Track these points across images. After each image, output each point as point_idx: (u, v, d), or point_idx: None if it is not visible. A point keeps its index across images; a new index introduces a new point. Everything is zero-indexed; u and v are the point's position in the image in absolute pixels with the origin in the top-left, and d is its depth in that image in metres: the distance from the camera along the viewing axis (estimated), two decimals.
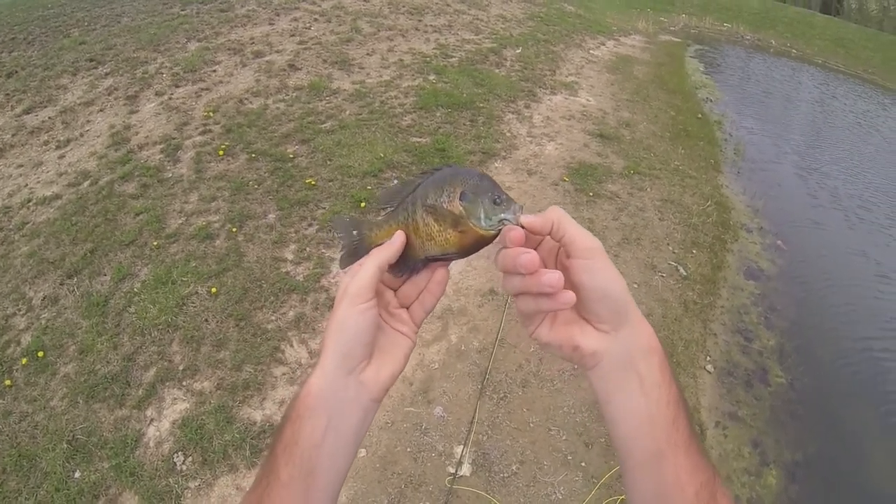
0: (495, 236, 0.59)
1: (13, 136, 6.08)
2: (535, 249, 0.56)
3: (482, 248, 0.61)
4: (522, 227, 0.56)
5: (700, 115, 9.14)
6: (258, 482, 0.57)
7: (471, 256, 0.64)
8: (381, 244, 0.63)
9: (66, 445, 3.03)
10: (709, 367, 4.11)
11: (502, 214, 0.58)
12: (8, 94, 6.95)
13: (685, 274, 4.85)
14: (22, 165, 5.60)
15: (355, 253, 0.65)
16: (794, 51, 17.25)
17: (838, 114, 11.79)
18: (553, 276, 0.52)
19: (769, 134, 9.42)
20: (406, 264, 0.63)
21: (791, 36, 18.96)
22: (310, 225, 4.66)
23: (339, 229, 0.68)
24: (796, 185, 7.68)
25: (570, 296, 0.53)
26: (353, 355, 0.58)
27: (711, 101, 10.35)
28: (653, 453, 0.55)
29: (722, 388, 4.00)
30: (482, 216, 0.58)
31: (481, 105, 7.24)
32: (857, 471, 3.76)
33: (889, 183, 8.32)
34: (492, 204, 0.58)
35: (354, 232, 0.66)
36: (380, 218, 0.66)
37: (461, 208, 0.59)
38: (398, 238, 0.62)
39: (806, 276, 5.56)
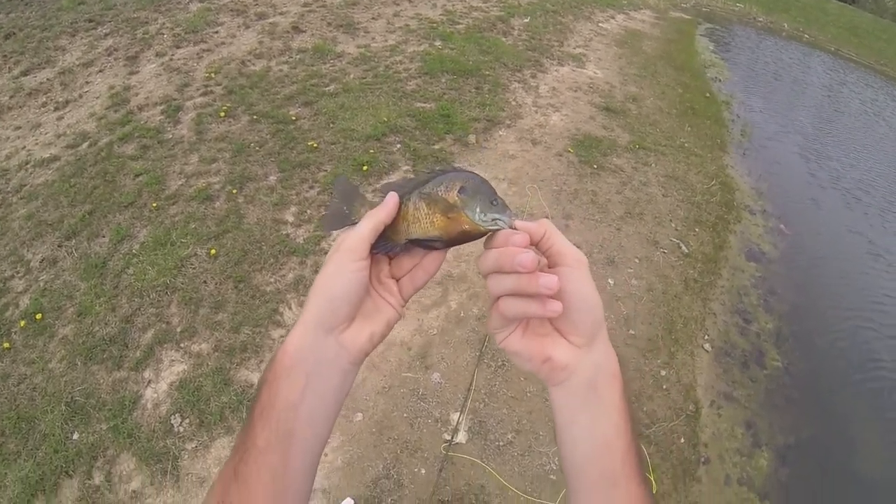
0: (482, 234, 0.59)
1: (11, 97, 5.99)
2: None
3: (464, 241, 0.61)
4: (517, 229, 0.56)
5: (708, 94, 9.03)
6: (235, 450, 0.55)
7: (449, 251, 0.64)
8: None
9: (64, 407, 3.03)
10: (706, 345, 4.11)
11: (497, 214, 0.58)
12: (5, 56, 6.83)
13: (687, 251, 4.83)
14: (20, 127, 5.52)
15: (340, 218, 0.65)
16: (806, 36, 16.97)
17: (847, 101, 11.66)
18: (551, 279, 0.52)
19: (777, 117, 9.33)
20: (384, 243, 0.62)
21: (804, 21, 18.65)
22: (311, 187, 4.63)
23: (338, 190, 0.67)
24: (802, 170, 7.62)
25: (558, 305, 0.53)
26: (337, 313, 0.56)
27: (720, 80, 10.22)
28: (607, 479, 0.55)
29: (718, 368, 4.02)
30: (477, 209, 0.58)
31: (487, 73, 7.16)
32: (849, 457, 3.79)
33: (894, 172, 8.26)
34: (489, 202, 0.58)
35: (350, 199, 0.66)
36: (375, 200, 0.65)
37: (457, 198, 0.59)
38: (391, 198, 0.60)
39: (807, 261, 5.54)
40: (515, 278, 0.53)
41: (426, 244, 0.62)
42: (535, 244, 0.56)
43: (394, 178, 4.60)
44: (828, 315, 4.95)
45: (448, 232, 0.60)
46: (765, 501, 3.32)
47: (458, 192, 0.59)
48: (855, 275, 5.61)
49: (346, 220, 0.64)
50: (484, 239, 0.59)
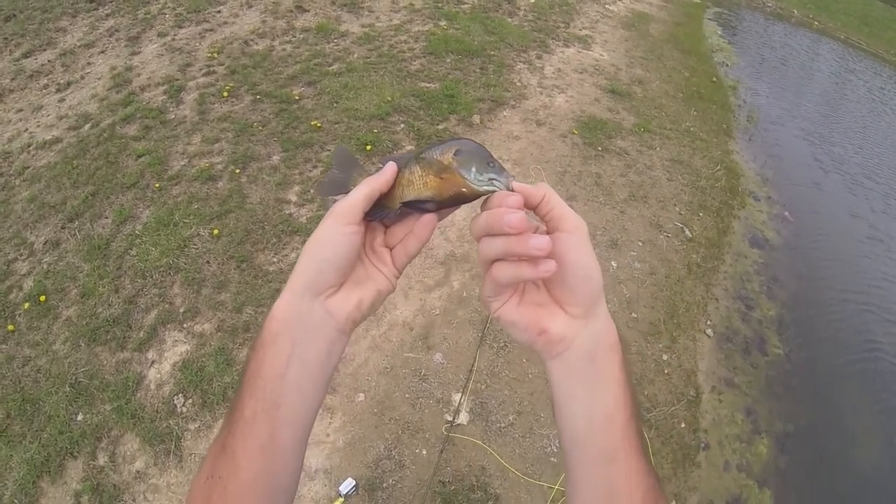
0: (478, 196, 0.57)
1: (12, 80, 5.95)
2: None
3: (459, 203, 0.59)
4: (513, 191, 0.54)
5: (715, 79, 8.95)
6: (224, 423, 0.54)
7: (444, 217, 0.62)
8: None
9: (68, 389, 3.05)
10: (708, 331, 4.11)
11: (493, 175, 0.56)
12: (6, 38, 6.78)
13: (690, 236, 4.81)
14: (21, 110, 5.50)
15: (336, 186, 0.64)
16: (816, 23, 16.76)
17: (855, 90, 11.55)
18: (542, 239, 0.49)
19: (784, 103, 9.25)
20: (378, 210, 0.60)
21: (814, 7, 18.39)
22: (314, 167, 4.61)
23: (338, 159, 0.66)
24: (807, 158, 7.57)
25: (552, 264, 0.50)
26: (324, 277, 0.55)
27: (727, 65, 10.12)
28: (606, 453, 0.53)
29: (720, 354, 4.02)
30: (473, 170, 0.56)
31: (492, 53, 7.11)
32: (848, 445, 3.81)
33: None
34: (485, 163, 0.56)
35: (349, 168, 0.65)
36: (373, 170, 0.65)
37: (452, 160, 0.57)
38: (389, 167, 0.59)
39: (810, 249, 5.54)
40: (505, 240, 0.51)
41: (419, 206, 0.60)
42: (534, 208, 0.54)
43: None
44: (830, 302, 4.94)
45: (441, 192, 0.58)
46: (763, 488, 3.34)
47: (454, 154, 0.57)
48: (858, 262, 5.60)
49: (343, 187, 0.63)
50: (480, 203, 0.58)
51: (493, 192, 0.55)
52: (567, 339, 0.54)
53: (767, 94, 9.40)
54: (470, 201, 0.58)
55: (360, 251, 0.58)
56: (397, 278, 0.63)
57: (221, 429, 0.54)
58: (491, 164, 0.56)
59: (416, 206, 0.60)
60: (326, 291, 0.55)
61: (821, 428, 3.86)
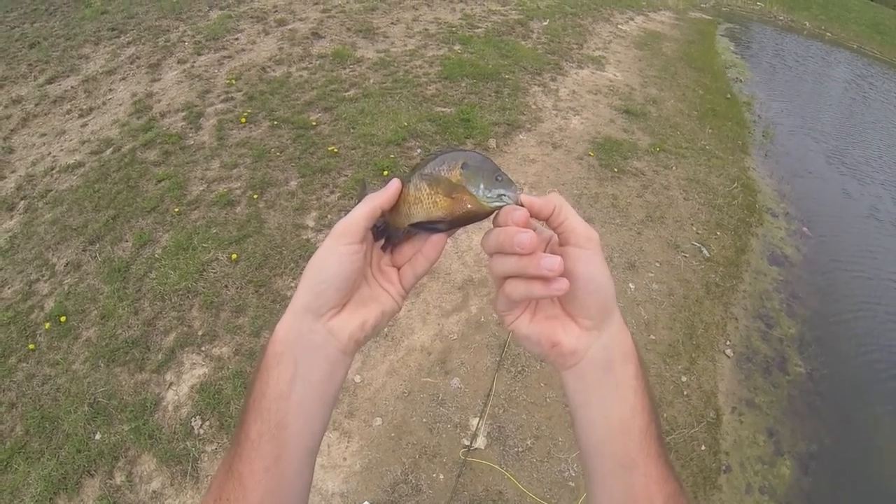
0: (489, 213, 0.56)
1: (36, 105, 6.12)
2: None
3: (470, 222, 0.58)
4: (523, 206, 0.53)
5: (729, 96, 8.92)
6: (230, 446, 0.54)
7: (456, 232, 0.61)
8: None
9: (87, 408, 3.08)
10: (728, 351, 4.05)
11: (502, 189, 0.55)
12: (31, 65, 6.99)
13: (708, 255, 4.77)
14: (45, 134, 5.64)
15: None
16: (828, 34, 16.69)
17: (871, 101, 11.42)
18: (554, 260, 0.49)
19: (799, 118, 9.18)
20: (386, 231, 0.60)
21: (826, 18, 18.35)
22: (332, 192, 4.65)
23: (360, 194, 0.64)
24: (825, 171, 7.49)
25: (564, 283, 0.50)
26: (324, 298, 0.54)
27: (741, 81, 10.09)
28: (624, 461, 0.53)
29: (740, 374, 3.95)
30: (480, 185, 0.55)
31: (507, 76, 7.15)
32: (874, 465, 3.70)
33: None
34: (492, 178, 0.56)
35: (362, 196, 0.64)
36: None
37: (459, 176, 0.56)
38: (393, 184, 0.58)
39: (830, 265, 5.44)
40: (517, 259, 0.51)
41: (429, 227, 0.59)
42: (546, 220, 0.54)
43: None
44: (852, 319, 4.84)
45: (452, 213, 0.57)
46: None
47: (461, 168, 0.56)
48: (879, 277, 5.48)
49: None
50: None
51: (504, 206, 0.55)
52: (579, 351, 0.54)
53: (782, 108, 9.34)
54: (481, 219, 0.57)
55: (364, 271, 0.58)
56: (404, 298, 0.62)
57: (227, 451, 0.54)
58: (499, 178, 0.56)
59: (426, 227, 0.59)
60: (328, 312, 0.55)
61: (846, 448, 3.75)
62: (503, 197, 0.55)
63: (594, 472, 0.55)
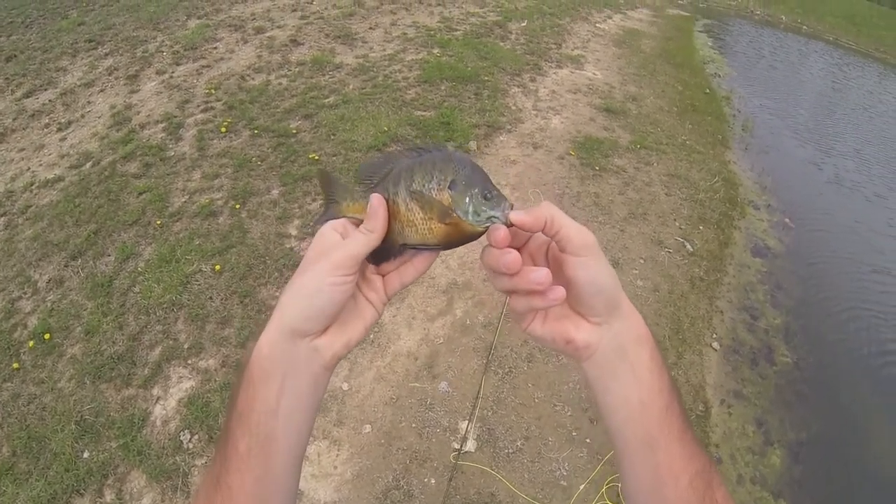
0: (482, 233, 0.57)
1: (14, 120, 6.05)
2: (525, 244, 0.59)
3: (465, 243, 0.59)
4: (513, 225, 0.54)
5: (708, 91, 9.03)
6: (215, 459, 0.55)
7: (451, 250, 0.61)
8: (351, 217, 0.61)
9: (74, 426, 3.04)
10: (714, 344, 4.09)
11: (491, 212, 0.56)
12: (8, 79, 6.92)
13: (692, 250, 4.81)
14: (24, 149, 5.58)
15: (327, 215, 0.63)
16: (804, 27, 16.96)
17: (848, 91, 11.63)
18: (540, 274, 0.52)
19: (778, 110, 9.32)
20: (379, 253, 0.60)
21: (802, 12, 18.62)
22: (314, 200, 4.63)
23: (322, 187, 0.65)
24: (805, 163, 7.60)
25: (560, 292, 0.53)
26: (314, 324, 0.55)
27: (720, 76, 10.22)
28: (646, 440, 0.55)
29: (727, 366, 3.99)
30: (470, 210, 0.56)
31: (486, 78, 7.17)
32: (862, 452, 3.75)
33: None
34: (481, 199, 0.56)
35: (332, 191, 0.64)
36: (357, 188, 0.63)
37: (449, 198, 0.57)
38: (379, 211, 0.58)
39: (813, 254, 5.52)
40: (510, 278, 0.54)
41: (423, 247, 0.60)
42: (542, 231, 0.55)
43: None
44: (836, 308, 4.90)
45: (447, 238, 0.58)
46: (779, 500, 3.29)
47: (449, 187, 0.57)
48: (862, 264, 5.56)
49: (333, 215, 0.62)
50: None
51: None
52: (593, 344, 0.56)
53: (761, 101, 9.48)
54: (476, 239, 0.58)
55: (352, 293, 0.58)
56: (385, 305, 0.63)
57: (213, 464, 0.55)
58: (488, 196, 0.56)
59: (419, 247, 0.60)
60: (314, 333, 0.56)
61: (835, 434, 3.80)
62: (492, 219, 0.55)
63: (621, 453, 0.58)
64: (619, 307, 0.56)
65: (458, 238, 0.58)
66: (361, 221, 0.59)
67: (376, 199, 0.58)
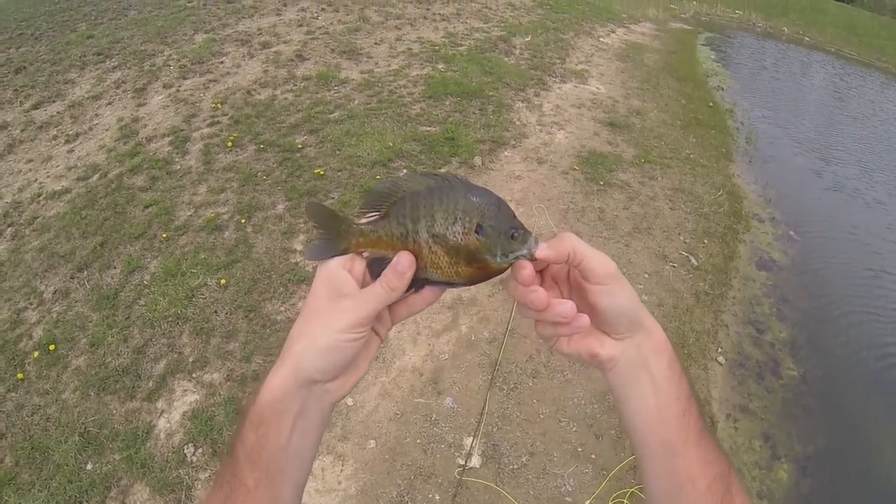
0: (507, 268, 0.58)
1: (22, 131, 6.12)
2: (547, 267, 0.61)
3: (490, 279, 0.60)
4: (538, 259, 0.57)
5: (711, 104, 9.04)
6: (220, 483, 0.56)
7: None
8: (360, 252, 0.60)
9: (77, 438, 3.05)
10: (720, 358, 4.07)
11: (518, 251, 0.57)
12: (17, 90, 7.00)
13: (696, 264, 4.80)
14: (31, 160, 5.63)
15: (325, 248, 0.59)
16: (806, 38, 16.99)
17: (851, 102, 11.62)
18: (566, 308, 0.55)
19: (782, 122, 9.31)
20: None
21: (804, 23, 18.69)
22: None
23: (314, 218, 0.60)
24: (809, 175, 7.58)
25: (584, 320, 0.56)
26: (327, 375, 0.57)
27: (723, 89, 10.23)
28: (664, 446, 0.58)
29: (733, 380, 3.97)
30: (499, 253, 0.57)
31: (491, 93, 7.18)
32: (870, 466, 3.70)
33: None
34: (509, 239, 0.56)
35: (331, 224, 0.60)
36: (364, 223, 0.60)
37: (477, 242, 0.57)
38: (406, 270, 0.57)
39: (819, 267, 5.48)
40: (535, 311, 0.56)
41: (447, 285, 0.60)
42: (565, 262, 0.58)
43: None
44: (842, 320, 4.87)
45: (472, 278, 0.59)
46: None
47: (476, 231, 0.56)
48: (867, 276, 5.53)
49: (332, 249, 0.59)
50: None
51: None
52: (616, 357, 0.59)
53: (764, 114, 9.47)
54: (501, 274, 0.59)
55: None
56: (389, 331, 0.65)
57: (216, 489, 0.56)
58: (515, 236, 0.56)
59: (442, 284, 0.60)
60: (327, 380, 0.58)
61: (843, 447, 3.76)
62: (519, 257, 0.57)
63: (642, 459, 0.60)
64: (641, 322, 0.59)
65: (484, 276, 0.59)
66: (370, 254, 0.60)
67: (406, 260, 0.57)
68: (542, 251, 0.56)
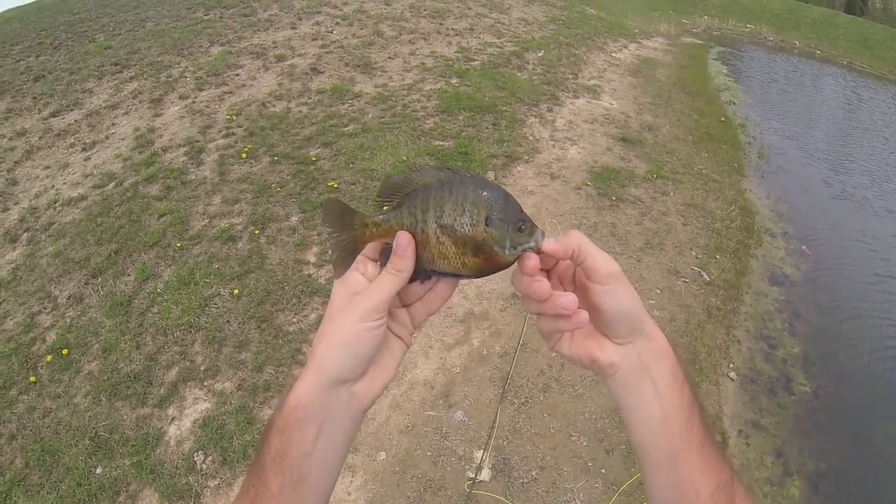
0: (514, 261, 0.58)
1: (40, 138, 6.22)
2: (553, 266, 0.61)
3: (494, 272, 0.60)
4: (544, 252, 0.57)
5: (723, 119, 9.01)
6: (246, 489, 0.56)
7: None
8: (372, 240, 0.60)
9: (88, 442, 3.07)
10: (732, 374, 4.03)
11: (526, 244, 0.57)
12: (35, 98, 7.12)
13: (708, 279, 4.78)
14: (49, 167, 5.71)
15: (348, 254, 0.60)
16: (818, 52, 16.92)
17: (864, 116, 11.54)
18: (567, 300, 0.55)
19: (794, 137, 9.25)
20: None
21: (815, 37, 18.61)
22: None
23: (331, 220, 0.60)
24: (821, 189, 7.52)
25: (583, 316, 0.56)
26: (353, 372, 0.56)
27: (735, 103, 10.20)
28: (667, 454, 0.57)
29: (745, 396, 3.93)
30: (507, 245, 0.57)
31: (504, 108, 7.20)
32: (883, 482, 3.64)
33: None
34: (517, 231, 0.57)
35: (344, 221, 0.60)
36: (379, 215, 0.61)
37: (485, 234, 0.57)
38: (407, 249, 0.57)
39: (831, 282, 5.43)
40: (538, 302, 0.56)
41: (454, 276, 0.60)
42: (569, 259, 0.58)
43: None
44: (855, 335, 4.81)
45: (479, 269, 0.59)
46: None
47: (486, 224, 0.57)
48: (881, 292, 5.47)
49: (351, 248, 0.60)
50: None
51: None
52: (617, 363, 0.59)
53: (776, 128, 9.41)
54: (508, 267, 0.59)
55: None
56: (412, 335, 0.65)
57: (242, 495, 0.55)
58: (523, 228, 0.57)
59: (450, 275, 0.60)
60: (353, 379, 0.57)
61: (855, 464, 3.70)
62: (526, 249, 0.57)
63: (645, 467, 0.60)
64: (643, 328, 0.59)
65: (491, 268, 0.59)
66: (383, 243, 0.60)
67: (404, 239, 0.57)
68: (549, 245, 0.57)
